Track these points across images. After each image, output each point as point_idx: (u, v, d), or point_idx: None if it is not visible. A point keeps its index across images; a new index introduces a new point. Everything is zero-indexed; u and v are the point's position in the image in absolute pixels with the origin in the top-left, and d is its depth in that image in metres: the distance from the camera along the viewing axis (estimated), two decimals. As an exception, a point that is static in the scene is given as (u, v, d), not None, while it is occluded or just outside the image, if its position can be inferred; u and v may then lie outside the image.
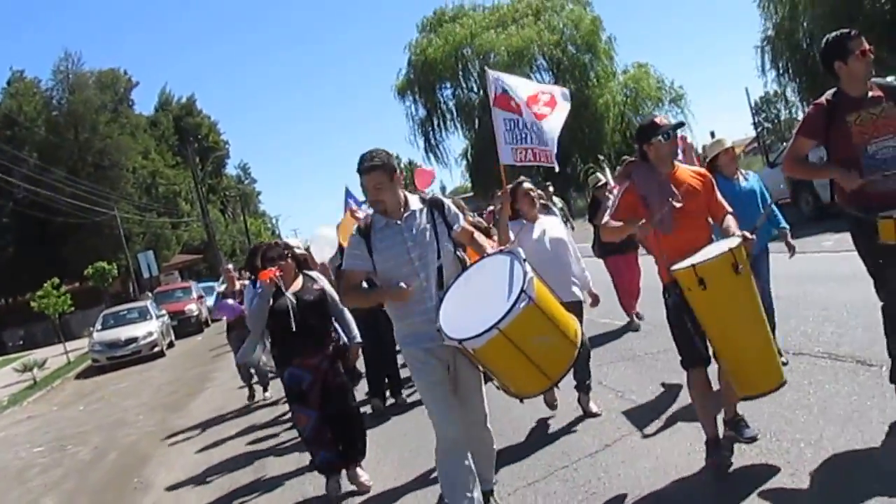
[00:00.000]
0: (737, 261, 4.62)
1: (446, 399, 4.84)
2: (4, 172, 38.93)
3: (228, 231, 70.74)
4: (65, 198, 40.88)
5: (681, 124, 5.40)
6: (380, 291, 4.93)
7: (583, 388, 6.92)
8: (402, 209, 4.84)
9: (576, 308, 6.45)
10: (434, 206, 4.97)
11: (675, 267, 4.76)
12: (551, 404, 7.07)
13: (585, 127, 44.60)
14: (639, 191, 5.06)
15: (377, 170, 4.73)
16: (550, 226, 6.99)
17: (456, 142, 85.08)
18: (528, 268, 4.49)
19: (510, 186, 6.92)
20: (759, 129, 50.08)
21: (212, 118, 72.50)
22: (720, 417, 5.19)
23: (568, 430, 6.69)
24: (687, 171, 5.22)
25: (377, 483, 6.51)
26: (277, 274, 6.28)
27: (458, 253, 4.99)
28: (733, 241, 4.76)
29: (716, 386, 5.14)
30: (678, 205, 4.91)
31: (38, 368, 23.49)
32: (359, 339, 6.68)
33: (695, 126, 50.06)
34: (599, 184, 10.23)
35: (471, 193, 50.93)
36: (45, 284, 26.66)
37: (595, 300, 7.05)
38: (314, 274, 6.80)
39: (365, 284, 5.20)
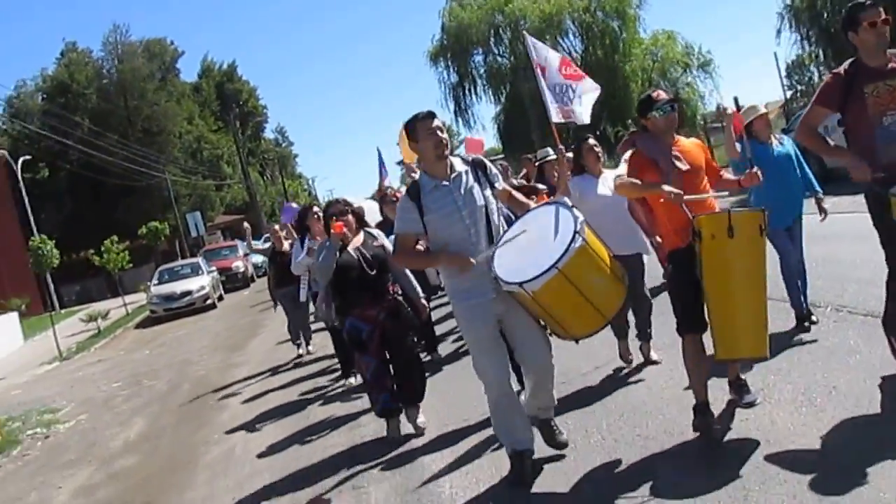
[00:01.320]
0: (763, 224, 4.68)
1: (494, 352, 4.93)
2: (62, 136, 40.66)
3: (268, 192, 72.26)
4: (117, 160, 42.58)
5: (676, 100, 5.37)
6: (436, 256, 5.06)
7: (644, 336, 6.91)
8: (448, 171, 4.94)
9: (638, 261, 6.72)
10: (477, 165, 5.08)
11: (705, 213, 4.78)
12: (626, 357, 7.04)
13: (614, 92, 44.02)
14: (647, 154, 5.06)
15: (436, 117, 4.98)
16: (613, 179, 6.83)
17: (485, 107, 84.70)
18: (578, 212, 4.67)
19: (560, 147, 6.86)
20: (791, 92, 48.82)
21: (251, 84, 73.97)
22: (711, 382, 5.15)
23: (625, 378, 6.69)
24: (688, 142, 5.26)
25: (432, 428, 6.60)
26: (344, 230, 6.46)
27: (503, 209, 5.14)
28: (760, 208, 4.87)
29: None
30: (684, 167, 4.97)
31: (101, 319, 25.24)
32: (422, 293, 6.81)
33: (724, 91, 49.46)
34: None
35: (501, 156, 51.65)
36: (106, 242, 28.27)
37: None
38: (375, 231, 6.92)
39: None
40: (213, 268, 29.72)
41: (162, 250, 46.15)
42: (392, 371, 6.60)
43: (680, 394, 5.70)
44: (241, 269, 32.72)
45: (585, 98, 7.26)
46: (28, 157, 38.25)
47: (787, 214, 6.76)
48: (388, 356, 6.58)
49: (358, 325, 6.49)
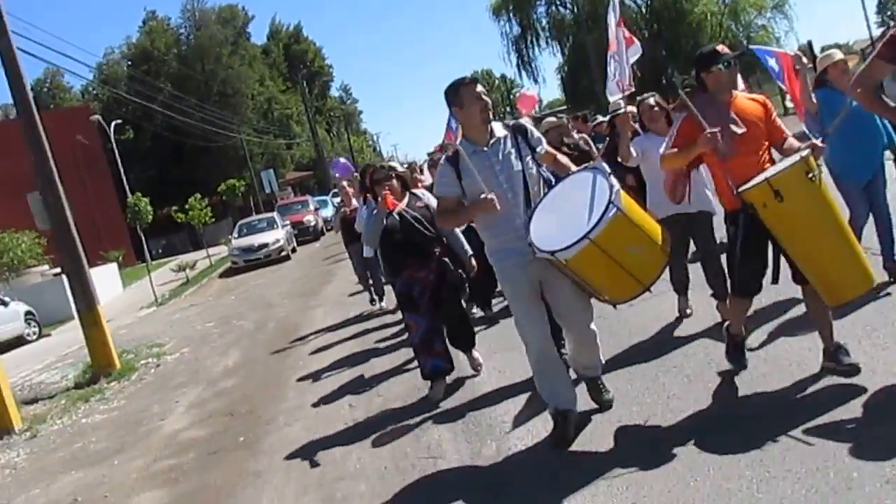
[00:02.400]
0: (809, 168, 4.37)
1: (533, 312, 4.94)
2: (146, 100, 42.71)
3: (334, 149, 73.99)
4: (196, 122, 44.57)
5: (742, 54, 5.23)
6: (467, 208, 4.96)
7: (720, 296, 6.42)
8: (488, 136, 4.92)
9: (706, 219, 6.49)
10: (518, 131, 5.01)
11: (744, 187, 4.56)
12: (683, 313, 6.91)
13: (682, 38, 42.73)
14: (696, 121, 4.82)
15: (479, 81, 4.99)
16: None
17: (548, 59, 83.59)
18: (614, 180, 4.56)
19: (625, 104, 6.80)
20: (883, 30, 44.97)
21: (316, 44, 75.41)
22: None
23: (689, 337, 6.45)
24: (745, 99, 5.01)
25: (493, 380, 6.71)
26: (392, 200, 6.56)
27: (542, 174, 5.04)
28: (803, 152, 4.47)
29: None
30: (740, 130, 4.76)
31: (189, 269, 27.21)
32: (470, 252, 6.77)
33: (801, 33, 46.64)
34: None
35: (565, 107, 51.69)
36: (190, 199, 30.17)
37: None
38: (420, 192, 6.94)
39: None
40: (287, 221, 31.45)
41: (237, 206, 48.20)
42: (445, 328, 6.75)
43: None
44: (313, 223, 34.47)
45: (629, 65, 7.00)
46: (119, 120, 40.25)
47: (866, 168, 6.40)
48: (438, 315, 6.67)
49: (408, 286, 6.63)
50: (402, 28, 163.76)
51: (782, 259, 4.75)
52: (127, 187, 34.41)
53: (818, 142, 4.57)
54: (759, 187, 4.44)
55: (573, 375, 5.43)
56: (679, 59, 41.40)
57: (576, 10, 45.11)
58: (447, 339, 6.82)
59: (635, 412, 5.10)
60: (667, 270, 6.13)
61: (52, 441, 9.05)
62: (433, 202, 6.31)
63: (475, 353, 7.00)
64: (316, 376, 8.94)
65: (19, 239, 27.64)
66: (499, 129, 4.98)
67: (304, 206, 37.07)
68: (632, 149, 6.47)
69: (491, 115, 4.93)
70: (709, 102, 4.85)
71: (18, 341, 20.76)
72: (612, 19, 6.90)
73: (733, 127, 4.71)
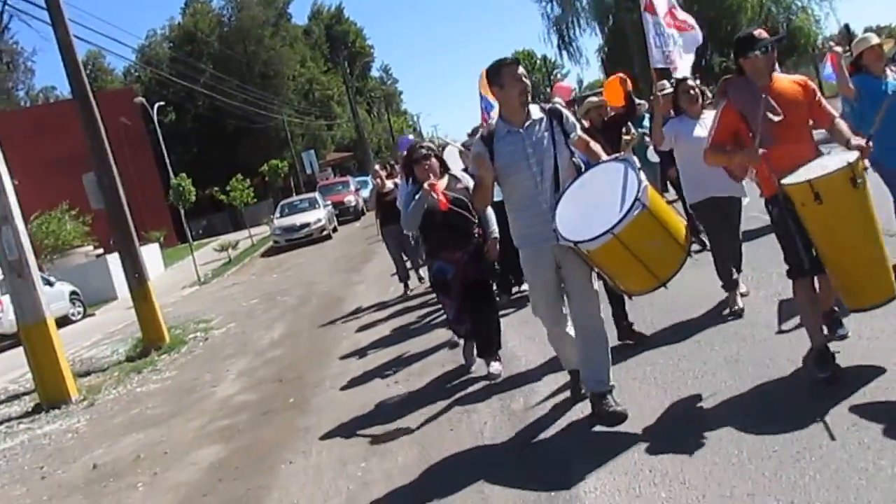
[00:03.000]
0: (855, 174, 4.32)
1: (551, 297, 5.10)
2: (188, 81, 43.58)
3: (374, 129, 74.65)
4: (237, 103, 45.38)
5: (781, 39, 5.07)
6: (484, 185, 5.01)
7: (735, 269, 6.69)
8: (524, 118, 4.98)
9: (736, 203, 6.56)
10: (553, 115, 5.04)
11: (787, 181, 4.50)
12: (732, 308, 6.65)
13: (722, 19, 42.40)
14: (736, 107, 4.82)
15: (521, 63, 5.07)
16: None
17: (589, 39, 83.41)
18: (643, 176, 4.62)
19: (660, 85, 6.99)
20: None
21: (357, 25, 76.02)
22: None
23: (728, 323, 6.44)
24: (786, 81, 4.91)
25: (534, 355, 6.84)
26: (436, 188, 6.35)
27: (574, 159, 5.09)
28: (851, 156, 4.41)
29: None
30: (777, 118, 4.67)
31: (231, 249, 27.96)
32: (496, 235, 6.71)
33: (842, 14, 46.52)
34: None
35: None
36: (232, 181, 30.91)
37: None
38: (459, 173, 6.93)
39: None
40: (328, 202, 32.08)
41: (278, 187, 49.01)
42: (470, 316, 6.74)
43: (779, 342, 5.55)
44: (353, 203, 35.09)
45: (688, 53, 7.17)
46: (161, 102, 41.14)
47: None
48: (466, 304, 6.70)
49: (443, 268, 6.70)
50: (442, 8, 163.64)
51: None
52: (170, 168, 35.25)
53: (862, 141, 4.53)
54: (800, 186, 4.40)
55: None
56: (718, 43, 41.30)
57: (620, -13, 44.88)
58: (475, 345, 6.91)
59: (665, 392, 5.23)
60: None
61: (109, 408, 9.67)
62: (472, 184, 6.23)
63: (495, 365, 6.70)
64: (358, 345, 9.46)
65: (64, 219, 28.60)
66: (536, 111, 5.04)
67: (344, 186, 37.73)
68: (664, 132, 6.62)
69: (529, 98, 5.00)
70: (747, 87, 4.81)
71: (64, 321, 21.48)
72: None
73: (770, 115, 4.63)
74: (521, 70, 4.96)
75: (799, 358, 5.03)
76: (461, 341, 7.31)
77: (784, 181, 4.50)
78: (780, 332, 5.73)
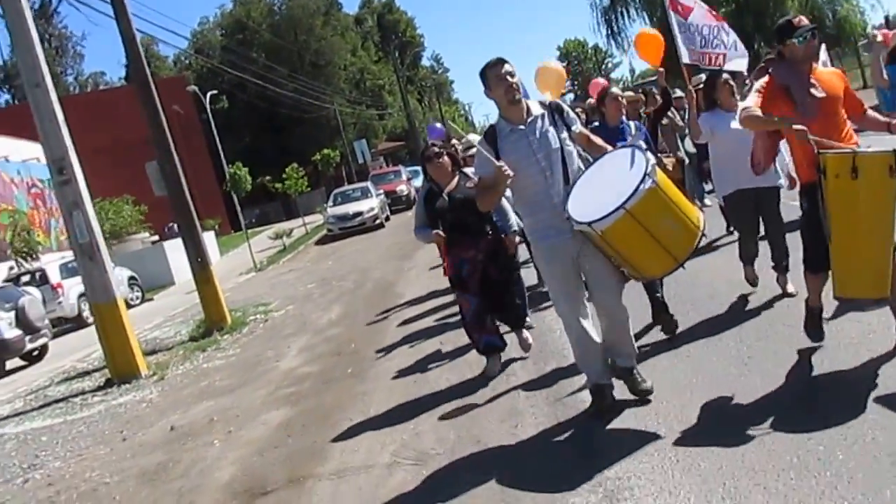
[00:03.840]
0: (894, 164, 4.43)
1: (570, 291, 5.12)
2: (240, 70, 44.79)
3: (425, 119, 75.53)
4: (289, 92, 46.52)
5: (818, 27, 5.14)
6: (491, 185, 5.04)
7: (780, 269, 6.75)
8: (524, 115, 5.06)
9: (773, 194, 6.68)
10: (554, 109, 5.17)
11: (829, 151, 4.60)
12: (753, 281, 7.08)
13: (769, 7, 43.09)
14: (779, 81, 4.94)
15: (506, 62, 5.09)
16: None
17: (638, 29, 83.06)
18: (650, 155, 4.79)
19: (696, 79, 7.36)
20: None
21: (408, 14, 76.93)
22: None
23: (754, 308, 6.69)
24: (823, 70, 5.17)
25: (552, 322, 7.33)
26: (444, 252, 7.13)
27: (580, 151, 5.19)
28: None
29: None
30: (820, 94, 4.84)
31: (286, 236, 28.97)
32: (515, 228, 6.93)
33: (888, 3, 46.59)
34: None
35: (653, 78, 51.38)
36: (287, 169, 31.93)
37: (793, 183, 6.44)
38: (470, 171, 6.80)
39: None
40: (381, 191, 32.95)
41: (329, 176, 50.09)
42: (495, 305, 6.97)
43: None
44: (405, 192, 35.95)
45: (736, 51, 7.46)
46: (214, 91, 42.33)
47: None
48: (489, 294, 6.90)
49: (458, 264, 6.89)
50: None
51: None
52: (222, 157, 36.37)
53: None
54: (841, 156, 4.53)
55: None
56: (765, 32, 41.37)
57: (668, -23, 44.98)
58: (497, 318, 7.13)
59: (690, 382, 5.36)
60: (737, 245, 7.13)
61: (178, 381, 10.53)
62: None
63: (525, 333, 7.17)
64: (410, 326, 10.18)
65: (121, 206, 29.88)
66: (535, 107, 5.15)
67: (396, 175, 38.65)
68: (700, 125, 6.84)
69: (517, 96, 5.06)
70: (789, 69, 4.97)
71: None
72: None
73: (813, 91, 4.82)
74: (505, 68, 5.03)
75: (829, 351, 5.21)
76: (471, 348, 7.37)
77: (825, 150, 4.60)
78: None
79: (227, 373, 10.25)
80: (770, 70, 5.04)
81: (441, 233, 6.82)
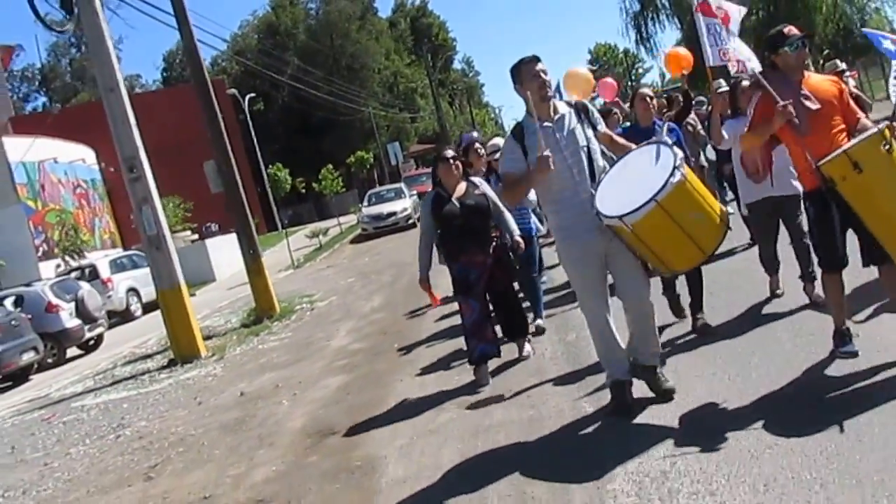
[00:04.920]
0: (887, 140, 4.56)
1: (595, 288, 5.22)
2: (275, 72, 46.35)
3: (456, 122, 76.69)
4: (323, 95, 48.02)
5: (809, 35, 5.26)
6: (526, 176, 5.20)
7: (808, 277, 6.79)
8: (551, 113, 5.19)
9: (796, 202, 6.59)
10: (580, 108, 5.34)
11: (823, 161, 4.70)
12: (774, 293, 7.21)
13: (796, 19, 43.31)
14: (772, 97, 5.03)
15: (540, 60, 5.23)
16: None
17: (668, 35, 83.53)
18: (677, 149, 4.91)
19: (717, 86, 7.59)
20: None
21: (441, 18, 78.31)
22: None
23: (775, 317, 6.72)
24: (819, 78, 5.28)
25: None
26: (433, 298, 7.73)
27: (604, 150, 5.34)
28: (880, 125, 4.70)
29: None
30: (814, 106, 4.93)
31: (322, 235, 30.38)
32: (518, 233, 7.20)
33: None
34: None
35: (679, 84, 51.70)
36: (323, 170, 33.43)
37: None
38: (476, 180, 7.30)
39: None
40: (413, 192, 34.28)
41: (361, 178, 51.57)
42: (497, 312, 7.37)
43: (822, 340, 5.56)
44: (436, 194, 37.21)
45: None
46: (253, 94, 43.95)
47: None
48: (491, 301, 7.24)
49: (466, 270, 7.06)
50: (524, 2, 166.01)
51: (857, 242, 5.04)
52: (259, 158, 37.80)
53: None
54: (837, 159, 4.65)
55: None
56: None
57: (698, -14, 45.79)
58: (500, 328, 7.50)
59: (716, 390, 5.34)
60: (757, 251, 7.40)
61: (238, 360, 11.85)
62: (489, 191, 7.13)
63: (527, 346, 7.55)
64: (447, 310, 11.31)
65: (165, 205, 31.36)
66: (562, 106, 5.32)
67: (428, 177, 39.65)
68: (723, 132, 6.84)
69: (549, 93, 5.24)
70: (782, 80, 5.11)
71: (165, 300, 24.15)
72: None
73: (807, 103, 4.93)
74: (539, 66, 5.18)
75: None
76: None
77: (822, 161, 4.74)
78: (855, 322, 5.65)
79: (283, 351, 11.56)
80: (762, 80, 5.21)
81: (430, 287, 7.40)
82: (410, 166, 53.76)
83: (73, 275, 22.20)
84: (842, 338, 5.19)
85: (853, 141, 4.82)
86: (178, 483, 6.47)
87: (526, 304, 8.40)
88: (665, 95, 13.14)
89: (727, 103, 7.34)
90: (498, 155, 7.79)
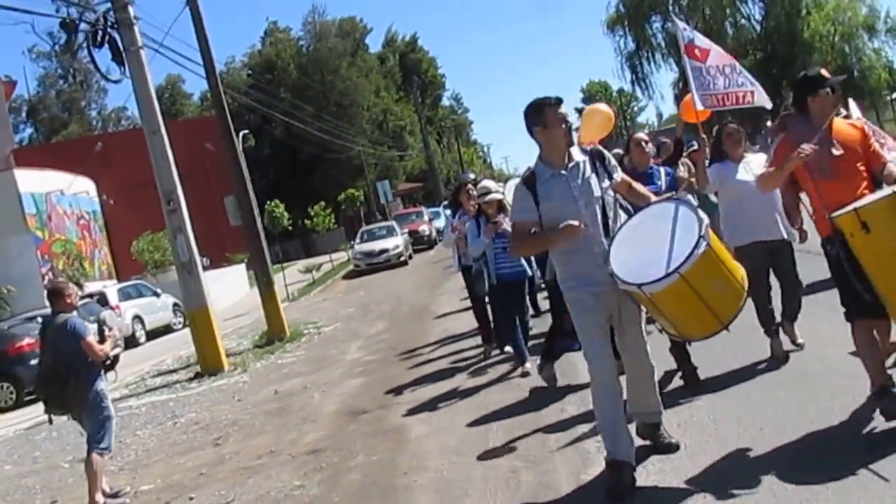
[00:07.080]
0: None
1: (602, 341, 5.16)
2: (268, 108, 48.81)
3: (444, 160, 79.15)
4: (313, 131, 50.41)
5: (845, 78, 5.35)
6: (547, 234, 5.14)
7: (789, 317, 7.14)
8: (565, 160, 5.10)
9: (783, 246, 6.88)
10: (596, 156, 5.23)
11: (836, 213, 4.81)
12: (779, 355, 7.07)
13: (793, 60, 45.68)
14: (794, 140, 5.13)
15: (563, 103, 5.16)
16: (757, 163, 6.84)
17: (663, 75, 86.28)
18: (703, 214, 4.86)
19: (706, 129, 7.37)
20: None
21: (430, 54, 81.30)
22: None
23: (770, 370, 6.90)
24: (843, 124, 5.34)
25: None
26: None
27: (620, 201, 5.31)
28: (894, 188, 4.74)
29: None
30: (837, 152, 5.01)
31: (315, 270, 32.78)
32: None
33: None
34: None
35: (673, 124, 53.13)
36: (316, 207, 35.96)
37: (804, 236, 6.88)
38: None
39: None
40: (405, 230, 36.81)
41: (348, 216, 53.79)
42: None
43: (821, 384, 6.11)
44: (427, 232, 39.98)
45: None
46: (246, 130, 46.30)
47: None
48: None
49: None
50: (515, 39, 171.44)
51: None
52: (251, 193, 39.83)
53: None
54: (847, 216, 4.76)
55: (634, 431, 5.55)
56: (791, 80, 44.40)
57: (693, 24, 48.36)
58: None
59: (721, 439, 5.56)
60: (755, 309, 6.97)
61: (261, 371, 14.22)
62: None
63: (527, 364, 9.13)
64: (448, 332, 13.80)
65: (161, 241, 33.72)
66: (577, 153, 5.21)
67: (418, 216, 42.74)
68: (708, 175, 7.00)
69: (573, 138, 5.23)
70: (807, 124, 5.20)
71: (166, 329, 26.50)
72: (681, 41, 7.75)
73: (833, 150, 5.01)
74: (563, 110, 5.11)
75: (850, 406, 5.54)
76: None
77: (835, 214, 4.86)
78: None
79: (302, 364, 13.95)
80: (787, 127, 5.43)
81: None
82: (397, 205, 56.22)
83: (83, 301, 24.41)
84: (886, 396, 5.03)
85: (866, 199, 4.92)
86: (244, 446, 8.86)
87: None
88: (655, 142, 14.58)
89: (713, 148, 7.31)
90: (489, 197, 9.11)
